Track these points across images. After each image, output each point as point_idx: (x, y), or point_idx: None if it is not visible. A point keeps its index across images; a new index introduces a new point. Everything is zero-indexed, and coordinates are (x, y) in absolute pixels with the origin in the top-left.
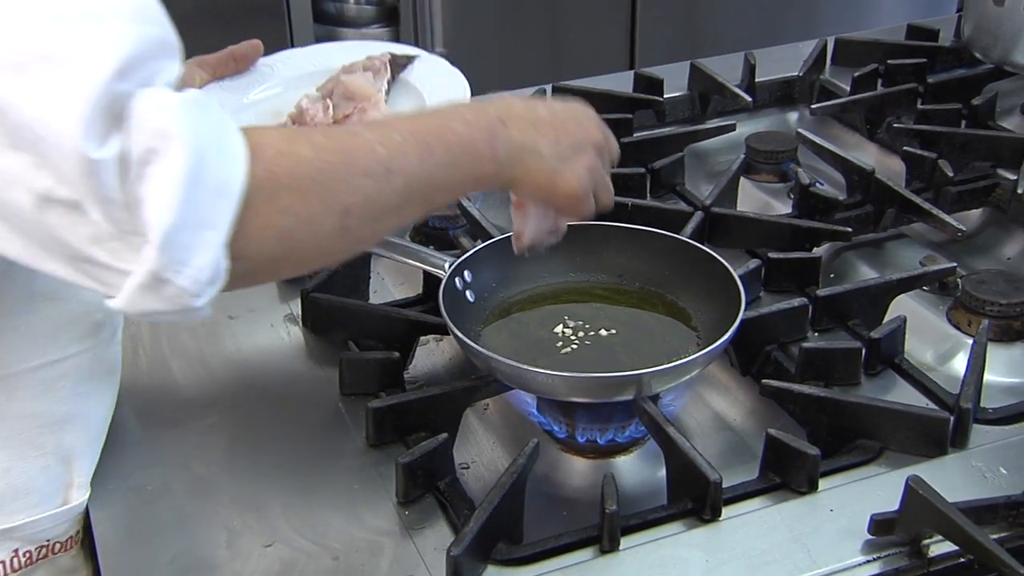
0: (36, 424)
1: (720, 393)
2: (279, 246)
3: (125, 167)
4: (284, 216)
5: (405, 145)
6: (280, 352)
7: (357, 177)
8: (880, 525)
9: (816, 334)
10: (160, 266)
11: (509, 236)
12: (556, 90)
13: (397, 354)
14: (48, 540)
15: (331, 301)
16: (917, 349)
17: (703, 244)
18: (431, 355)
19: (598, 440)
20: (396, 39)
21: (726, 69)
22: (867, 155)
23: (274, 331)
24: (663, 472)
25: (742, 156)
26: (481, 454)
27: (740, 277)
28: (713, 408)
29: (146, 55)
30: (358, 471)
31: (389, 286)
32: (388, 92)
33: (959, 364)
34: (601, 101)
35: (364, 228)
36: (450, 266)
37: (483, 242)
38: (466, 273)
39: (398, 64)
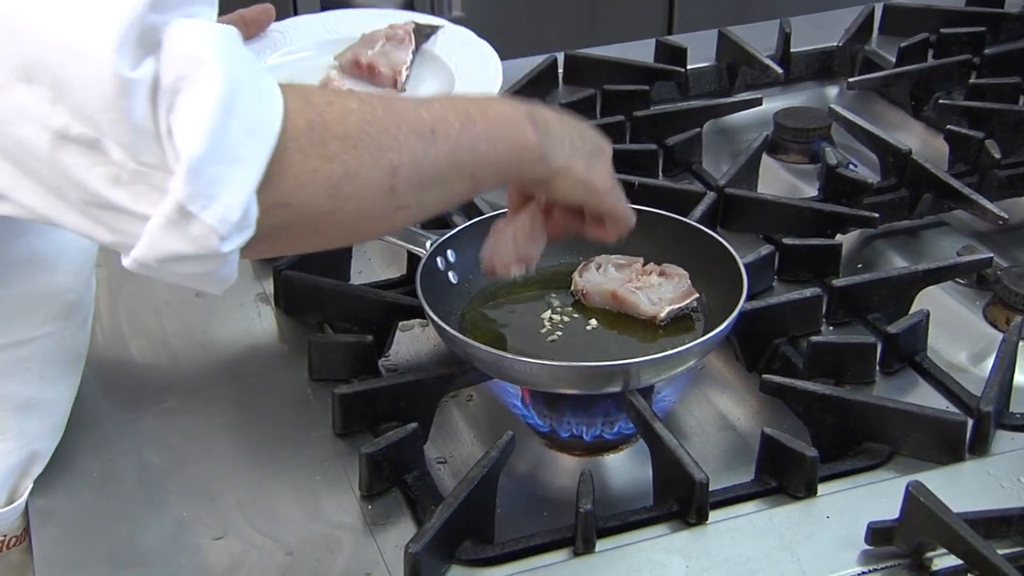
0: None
1: (724, 390)
2: (328, 197)
3: (156, 93)
4: (333, 163)
5: (446, 112)
6: (249, 333)
7: (404, 134)
8: (878, 534)
9: (831, 328)
10: (187, 197)
11: (493, 215)
12: (568, 59)
13: (370, 337)
14: (4, 535)
15: (304, 279)
16: (949, 349)
17: (713, 228)
18: (415, 342)
19: (583, 436)
20: (410, 6)
21: (758, 38)
22: (910, 135)
23: (244, 311)
24: (651, 474)
25: (766, 133)
26: (459, 449)
27: (744, 264)
28: (716, 406)
29: None
30: (321, 461)
31: (376, 267)
32: (412, 64)
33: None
34: (614, 71)
35: (410, 194)
36: (432, 244)
37: (465, 223)
38: (449, 253)
39: (422, 34)
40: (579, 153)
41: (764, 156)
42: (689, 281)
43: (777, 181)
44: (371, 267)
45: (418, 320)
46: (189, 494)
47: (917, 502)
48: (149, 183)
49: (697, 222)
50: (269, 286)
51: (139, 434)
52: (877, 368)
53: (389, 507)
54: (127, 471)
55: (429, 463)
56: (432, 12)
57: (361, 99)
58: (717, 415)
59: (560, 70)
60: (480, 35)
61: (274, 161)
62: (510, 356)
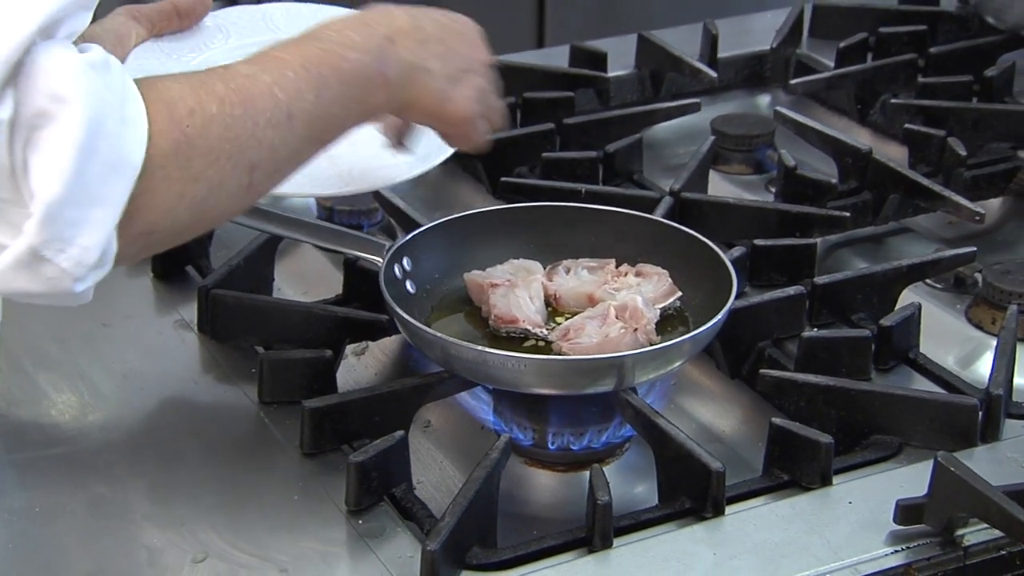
0: None
1: (705, 401)
2: (192, 215)
3: (14, 128)
4: (198, 183)
5: (300, 83)
6: (176, 362)
7: (262, 129)
8: (907, 512)
9: (814, 330)
10: (40, 242)
11: (452, 218)
12: None
13: (329, 352)
14: None
15: (239, 299)
16: (934, 353)
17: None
18: (351, 371)
19: (572, 446)
20: None
21: (680, 43)
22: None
23: (163, 339)
24: (642, 488)
25: (712, 138)
26: (428, 473)
27: (729, 259)
28: (698, 419)
29: (70, 8)
30: (296, 482)
31: (288, 294)
32: None
33: (984, 368)
34: (530, 78)
35: (266, 182)
36: (387, 250)
37: (424, 226)
38: (405, 261)
39: None
40: (440, 78)
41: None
42: (669, 279)
43: (721, 192)
44: (281, 295)
45: (352, 350)
46: (155, 522)
47: (948, 473)
48: (4, 216)
49: (668, 220)
50: (185, 311)
51: (77, 467)
52: (872, 365)
53: (381, 520)
54: (75, 503)
55: None
56: None
57: (220, 97)
58: (700, 428)
59: None
60: None
61: (137, 193)
62: (497, 352)
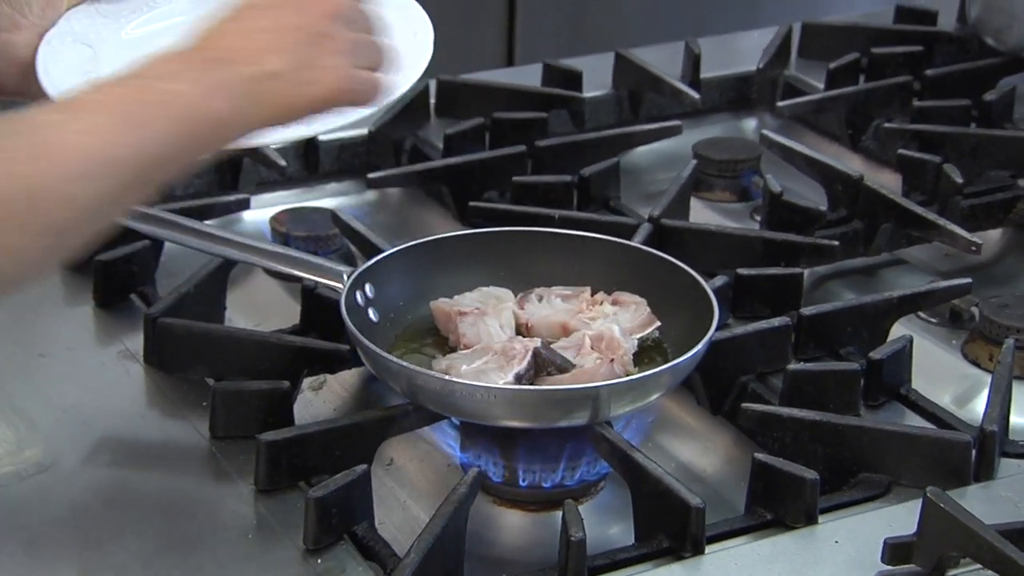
0: None
1: (686, 440)
2: None
3: None
4: None
5: (118, 129)
6: (120, 395)
7: (66, 186)
8: (895, 550)
9: (801, 363)
10: None
11: (418, 243)
12: (442, 86)
13: (287, 383)
14: None
15: (189, 328)
16: (928, 390)
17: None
18: (308, 406)
19: (544, 483)
20: None
21: (660, 62)
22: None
23: (106, 371)
24: (618, 528)
25: (694, 163)
26: (390, 514)
27: (709, 287)
28: (678, 458)
29: None
30: (250, 520)
31: (241, 324)
32: None
33: (980, 405)
34: (499, 98)
35: (77, 236)
36: (349, 276)
37: (387, 251)
38: (367, 287)
39: None
40: (287, 77)
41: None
42: (648, 308)
43: (704, 220)
44: (248, 314)
45: (309, 385)
46: (94, 568)
47: (937, 510)
48: None
49: (643, 246)
50: (131, 341)
51: (11, 508)
52: (861, 400)
53: (341, 560)
54: (10, 546)
55: None
56: None
57: (10, 155)
58: (680, 467)
59: (432, 99)
60: None
61: None
62: (467, 382)
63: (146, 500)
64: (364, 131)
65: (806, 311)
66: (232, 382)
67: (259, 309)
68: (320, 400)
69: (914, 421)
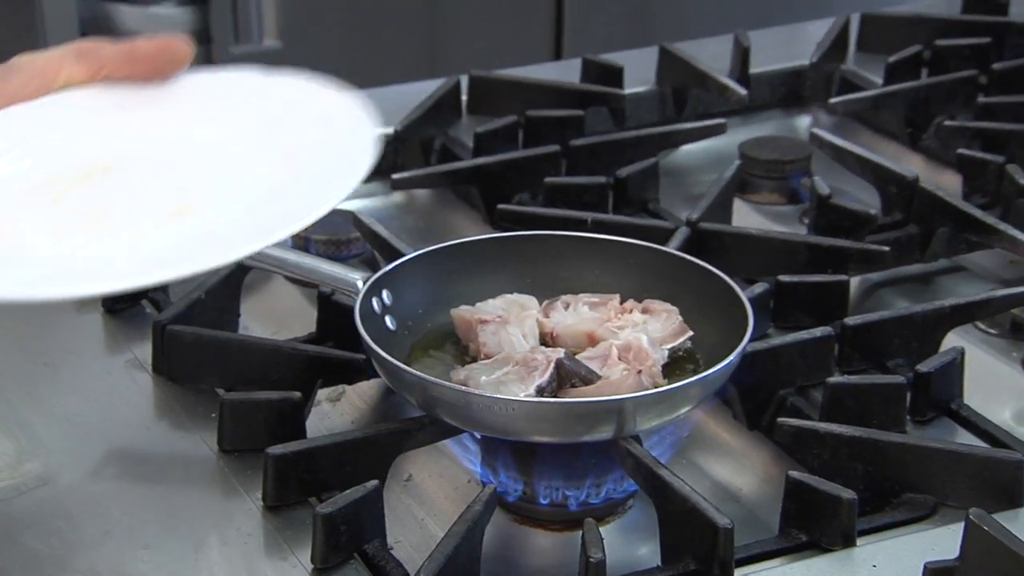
0: None
1: (721, 457)
2: None
3: None
4: None
5: None
6: (127, 405)
7: None
8: None
9: (845, 376)
10: None
11: (438, 248)
12: (475, 82)
13: (298, 394)
14: None
15: (200, 336)
16: (985, 406)
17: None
18: (325, 419)
19: (568, 503)
20: (204, 26)
21: (708, 57)
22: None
23: (113, 380)
24: (646, 550)
25: (738, 163)
26: (407, 533)
27: (748, 297)
28: (713, 476)
29: None
30: (257, 537)
31: (256, 332)
32: None
33: None
34: (535, 95)
35: None
36: (364, 283)
37: (406, 255)
38: (384, 294)
39: None
40: None
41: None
42: (679, 317)
43: (749, 224)
44: (264, 322)
45: (327, 396)
46: None
47: (981, 533)
48: None
49: (675, 251)
50: (139, 350)
51: (13, 522)
52: (907, 416)
53: None
54: (8, 563)
55: None
56: (236, 40)
57: None
58: (715, 486)
59: (464, 96)
60: (299, 68)
61: None
62: (485, 394)
63: (150, 516)
64: (390, 130)
65: (850, 321)
66: (240, 393)
67: (276, 317)
68: (337, 412)
69: (966, 439)
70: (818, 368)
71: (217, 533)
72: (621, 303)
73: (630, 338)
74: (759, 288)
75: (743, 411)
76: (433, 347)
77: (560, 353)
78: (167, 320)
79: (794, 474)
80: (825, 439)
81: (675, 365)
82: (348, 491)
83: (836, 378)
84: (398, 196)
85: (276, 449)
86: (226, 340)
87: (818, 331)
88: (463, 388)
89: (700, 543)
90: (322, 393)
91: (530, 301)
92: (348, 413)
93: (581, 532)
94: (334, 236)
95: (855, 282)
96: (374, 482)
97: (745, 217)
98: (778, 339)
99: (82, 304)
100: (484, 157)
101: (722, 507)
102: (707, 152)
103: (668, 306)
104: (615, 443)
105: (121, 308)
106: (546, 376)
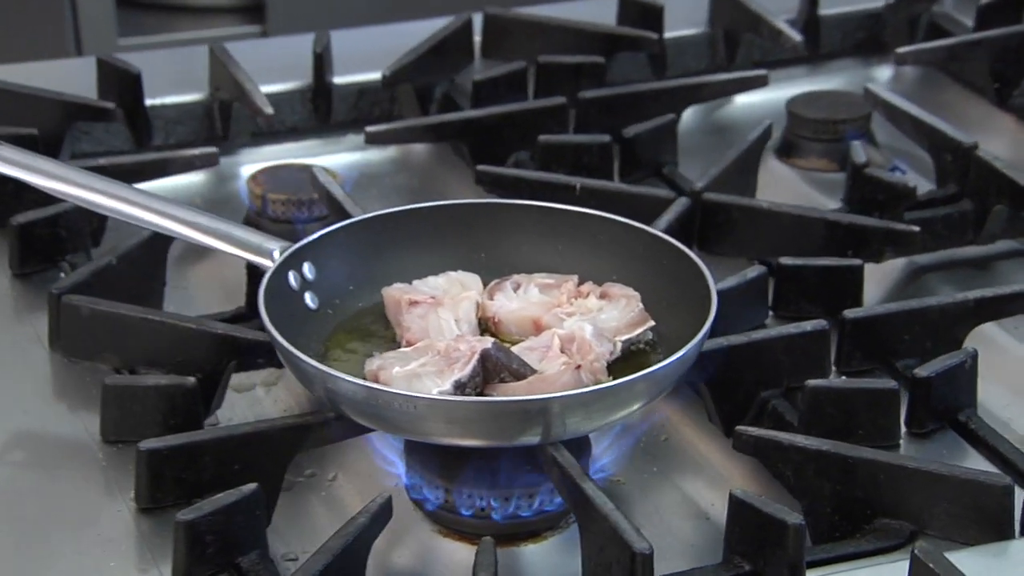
0: None
1: (694, 468)
2: None
3: None
4: None
5: None
6: (16, 385)
7: None
8: None
9: (843, 378)
10: None
11: (375, 216)
12: (490, 20)
13: (192, 380)
14: None
15: (97, 308)
16: (1019, 418)
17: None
18: (255, 405)
19: (492, 514)
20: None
21: None
22: (994, 131)
23: (8, 355)
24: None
25: (769, 122)
26: (318, 543)
27: (723, 289)
28: (683, 489)
29: None
30: (119, 543)
31: (200, 306)
32: None
33: None
34: (562, 37)
35: None
36: (282, 252)
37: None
38: (306, 267)
39: None
40: None
41: (774, 160)
42: (640, 304)
43: (793, 194)
44: (193, 303)
45: (262, 381)
46: None
47: (927, 572)
48: None
49: (639, 224)
50: (41, 323)
51: None
52: (903, 427)
53: None
54: None
55: (275, 559)
56: None
57: None
58: (684, 500)
59: (477, 36)
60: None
61: None
62: (384, 389)
63: (19, 506)
64: (377, 75)
65: (851, 314)
66: (125, 376)
67: (215, 290)
68: (271, 399)
69: (971, 458)
70: (810, 368)
71: (74, 539)
72: (579, 285)
73: (574, 327)
74: (753, 272)
75: (718, 414)
76: (361, 331)
77: (488, 343)
78: (64, 289)
79: (736, 492)
80: (789, 452)
81: (632, 359)
82: (219, 495)
83: (816, 381)
84: (394, 151)
85: (150, 443)
86: (126, 315)
87: (809, 324)
88: (362, 382)
89: (619, 569)
90: (258, 376)
91: (473, 280)
92: (284, 400)
93: (514, 549)
94: (294, 196)
95: (898, 264)
96: (251, 486)
97: (789, 185)
98: (760, 333)
99: None
100: (476, 110)
101: (688, 524)
102: (758, 105)
103: (629, 291)
104: (543, 449)
105: (30, 272)
106: (467, 369)
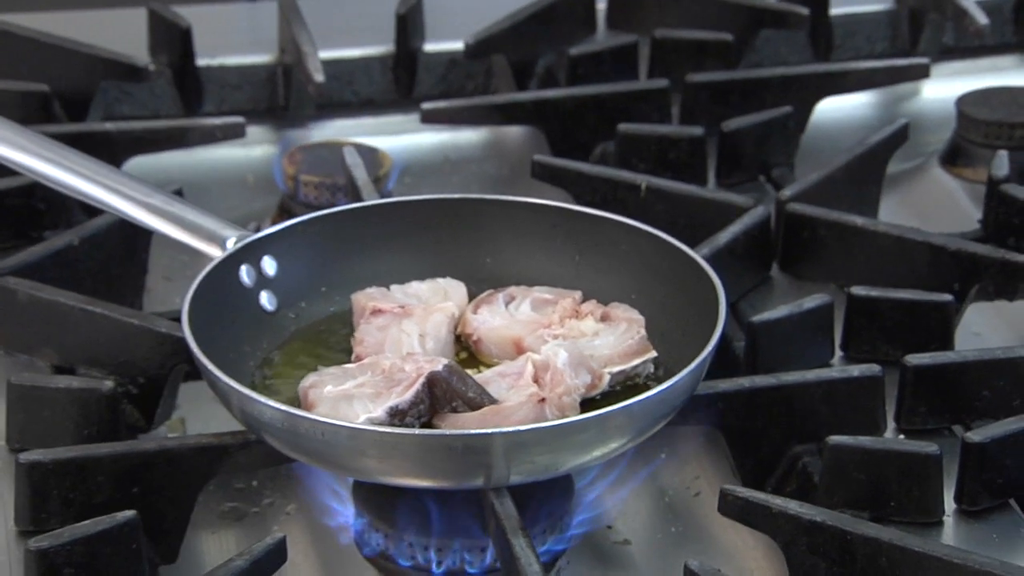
0: None
1: (713, 534)
2: None
3: None
4: None
5: None
6: None
7: None
8: None
9: (902, 436)
10: None
11: (355, 208)
12: None
13: (110, 383)
14: None
15: (35, 295)
16: None
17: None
18: (214, 420)
19: (432, 567)
20: None
21: None
22: None
23: None
24: None
25: (904, 121)
26: None
27: (725, 295)
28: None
29: None
30: None
31: (160, 299)
32: None
33: None
34: (699, 8)
35: None
36: (236, 243)
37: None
38: (265, 262)
39: None
40: None
41: (937, 169)
42: (643, 330)
43: (949, 212)
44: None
45: None
46: None
47: None
48: None
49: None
50: None
51: None
52: (952, 501)
53: None
54: None
55: None
56: None
57: None
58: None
59: (601, 3)
60: None
61: None
62: (303, 415)
63: None
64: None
65: (914, 359)
66: (33, 375)
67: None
68: (220, 415)
69: None
70: (857, 422)
71: None
72: (583, 303)
73: (548, 353)
74: (812, 301)
75: (739, 470)
76: (323, 341)
77: (439, 365)
78: (5, 270)
79: (691, 564)
80: (778, 520)
81: (629, 395)
82: (86, 523)
83: (838, 438)
84: (485, 132)
85: (31, 456)
86: (63, 304)
87: (857, 369)
88: (272, 403)
89: None
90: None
91: (457, 290)
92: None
93: None
94: (328, 178)
95: None
96: (127, 513)
97: (947, 200)
98: (794, 375)
99: None
100: (552, 89)
101: None
102: (928, 102)
103: (634, 315)
104: (484, 494)
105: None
106: (408, 395)
